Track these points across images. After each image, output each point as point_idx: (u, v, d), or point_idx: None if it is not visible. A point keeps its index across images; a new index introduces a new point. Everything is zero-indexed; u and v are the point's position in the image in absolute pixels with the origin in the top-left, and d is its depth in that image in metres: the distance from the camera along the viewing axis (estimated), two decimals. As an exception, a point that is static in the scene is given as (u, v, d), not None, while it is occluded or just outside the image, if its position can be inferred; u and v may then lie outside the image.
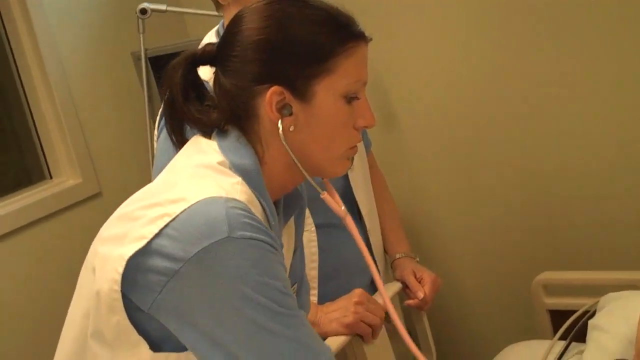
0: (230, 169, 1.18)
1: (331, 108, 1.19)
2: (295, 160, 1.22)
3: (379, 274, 2.02)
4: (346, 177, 1.94)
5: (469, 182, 2.54)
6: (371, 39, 1.26)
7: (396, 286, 2.01)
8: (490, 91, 2.40)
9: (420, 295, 1.98)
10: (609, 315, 1.87)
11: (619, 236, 2.30)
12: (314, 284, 1.87)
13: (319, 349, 1.16)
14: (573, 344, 1.96)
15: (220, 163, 1.18)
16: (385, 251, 2.15)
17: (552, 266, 2.25)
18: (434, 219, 2.66)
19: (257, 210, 1.16)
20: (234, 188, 1.15)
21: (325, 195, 1.31)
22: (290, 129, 1.20)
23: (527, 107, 2.36)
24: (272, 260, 1.11)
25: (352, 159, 1.31)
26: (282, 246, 1.24)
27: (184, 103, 1.25)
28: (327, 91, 1.18)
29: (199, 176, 1.17)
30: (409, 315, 2.12)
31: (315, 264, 1.86)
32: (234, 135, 1.22)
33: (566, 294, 2.20)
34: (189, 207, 1.09)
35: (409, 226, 2.61)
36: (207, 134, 1.25)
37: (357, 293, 1.78)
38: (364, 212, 2.02)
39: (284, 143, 1.20)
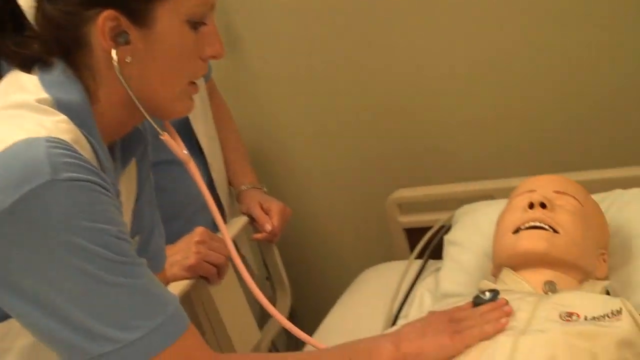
0: (53, 106, 1.00)
1: (175, 35, 1.04)
2: (133, 97, 1.05)
3: (223, 211, 1.90)
4: None
5: (318, 105, 2.40)
6: None
7: (242, 220, 1.87)
8: (339, 15, 2.24)
9: (268, 227, 1.85)
10: (463, 228, 1.81)
11: (471, 148, 2.23)
12: None
13: (165, 298, 1.02)
14: (431, 261, 1.89)
15: (39, 100, 0.99)
16: (230, 184, 2.00)
17: (407, 184, 2.16)
18: (283, 145, 2.51)
19: (85, 152, 0.99)
20: (58, 127, 0.97)
21: (165, 137, 1.16)
22: (127, 60, 1.02)
23: (372, 32, 2.22)
24: (104, 203, 0.97)
25: (193, 98, 1.16)
26: (118, 193, 1.09)
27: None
28: (170, 15, 1.03)
29: (13, 117, 0.98)
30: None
31: None
32: (59, 68, 1.04)
33: (422, 211, 2.12)
34: (2, 151, 0.92)
35: (257, 156, 2.48)
36: (27, 69, 1.05)
37: (198, 232, 1.64)
38: (203, 146, 1.86)
39: (120, 76, 1.02)
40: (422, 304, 1.73)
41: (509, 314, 1.19)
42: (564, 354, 1.09)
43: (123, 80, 1.03)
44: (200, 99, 1.86)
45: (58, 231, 0.91)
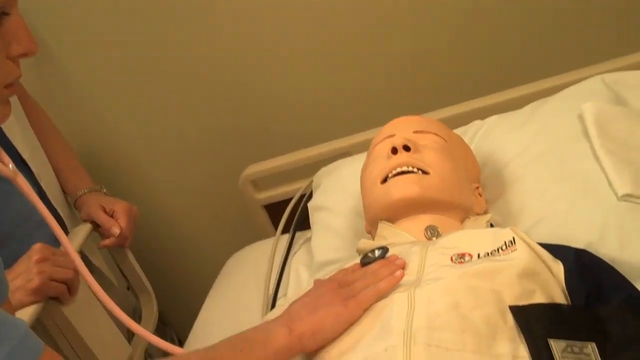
0: None
1: None
2: None
3: (62, 222, 1.70)
4: None
5: (146, 96, 2.21)
6: None
7: (85, 228, 1.68)
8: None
9: (116, 231, 1.68)
10: (326, 191, 1.70)
11: (315, 110, 2.13)
12: None
13: (8, 324, 0.85)
14: (299, 233, 1.78)
15: None
16: (65, 192, 1.80)
17: (259, 160, 2.03)
18: (117, 144, 2.31)
19: None
20: None
21: None
22: None
23: (188, 12, 2.07)
24: None
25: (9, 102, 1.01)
26: None
27: None
28: None
29: None
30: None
31: None
32: None
33: (279, 185, 2.00)
34: None
35: (92, 160, 2.27)
36: None
37: (37, 249, 1.45)
38: (26, 156, 1.65)
39: None
40: (298, 279, 1.63)
41: (402, 267, 1.09)
42: (466, 298, 0.99)
43: None
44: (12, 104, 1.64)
45: None
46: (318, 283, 1.14)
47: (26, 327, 0.87)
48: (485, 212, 1.37)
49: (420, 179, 1.25)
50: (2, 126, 1.60)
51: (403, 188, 1.25)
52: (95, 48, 2.14)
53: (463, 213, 1.29)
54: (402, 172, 1.27)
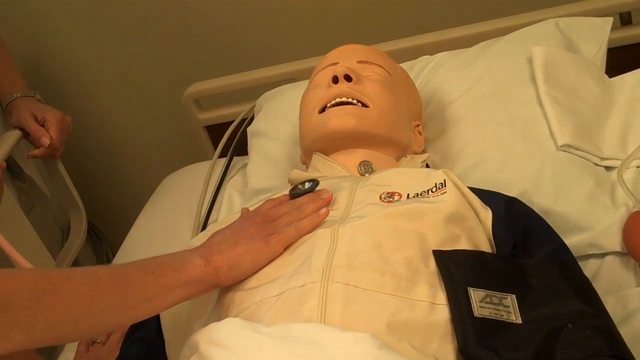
0: None
1: None
2: None
3: None
4: None
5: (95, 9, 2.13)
6: None
7: (14, 135, 1.61)
8: None
9: (45, 141, 1.61)
10: (266, 117, 1.65)
11: (265, 31, 2.06)
12: None
13: None
14: (236, 158, 1.73)
15: None
16: None
17: (204, 79, 1.97)
18: (60, 45, 2.22)
19: None
20: None
21: None
22: None
23: None
24: None
25: None
26: None
27: None
28: None
29: None
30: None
31: None
32: None
33: (222, 106, 1.94)
34: None
35: (30, 61, 2.19)
36: None
37: None
38: None
39: None
40: (231, 205, 1.59)
41: (329, 202, 1.06)
42: (389, 238, 0.96)
43: None
44: None
45: None
46: (245, 215, 1.11)
47: None
48: (424, 152, 1.34)
49: (359, 112, 1.20)
50: None
51: (339, 120, 1.20)
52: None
53: (400, 150, 1.26)
54: (341, 103, 1.22)
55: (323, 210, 1.04)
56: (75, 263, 2.25)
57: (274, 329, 0.86)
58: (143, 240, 1.68)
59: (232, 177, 1.67)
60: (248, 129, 1.67)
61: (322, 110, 1.24)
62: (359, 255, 0.94)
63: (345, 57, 1.31)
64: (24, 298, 0.86)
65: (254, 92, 1.81)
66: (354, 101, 1.21)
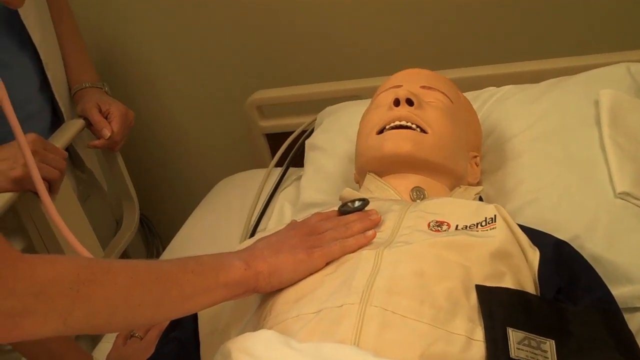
0: None
1: None
2: None
3: (60, 114, 1.66)
4: None
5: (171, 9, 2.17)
6: None
7: (77, 124, 1.63)
8: None
9: (106, 133, 1.63)
10: (326, 131, 1.65)
11: (335, 47, 2.06)
12: None
13: None
14: (292, 169, 1.74)
15: None
16: (69, 83, 1.75)
17: (268, 87, 1.98)
18: (134, 41, 2.26)
19: None
20: None
21: None
22: None
23: None
24: None
25: None
26: None
27: None
28: None
29: None
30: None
31: None
32: None
33: (284, 115, 1.95)
34: None
35: (106, 55, 2.23)
36: None
37: (30, 139, 1.39)
38: (36, 39, 1.59)
39: None
40: (282, 215, 1.59)
41: (377, 224, 1.06)
42: (432, 267, 0.95)
43: None
44: None
45: None
46: (292, 224, 1.11)
47: None
48: (479, 184, 1.32)
49: (416, 137, 1.20)
50: (22, 18, 1.55)
51: (396, 143, 1.20)
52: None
53: (454, 180, 1.25)
54: (400, 127, 1.21)
55: (370, 232, 1.04)
56: (125, 255, 2.29)
57: (306, 345, 0.87)
58: (191, 240, 1.70)
59: (285, 188, 1.68)
60: (306, 142, 1.68)
61: (381, 131, 1.24)
62: (400, 281, 0.93)
63: (409, 80, 1.31)
64: (63, 286, 0.88)
65: (318, 105, 1.82)
66: (413, 126, 1.21)
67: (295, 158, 1.74)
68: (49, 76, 1.64)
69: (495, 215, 1.05)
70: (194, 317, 1.15)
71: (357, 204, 1.11)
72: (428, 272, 0.95)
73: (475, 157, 1.33)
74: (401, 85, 1.29)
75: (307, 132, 1.76)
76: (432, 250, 0.98)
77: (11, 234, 1.52)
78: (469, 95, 1.48)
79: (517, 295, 0.96)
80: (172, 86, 2.30)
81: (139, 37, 2.24)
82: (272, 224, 1.57)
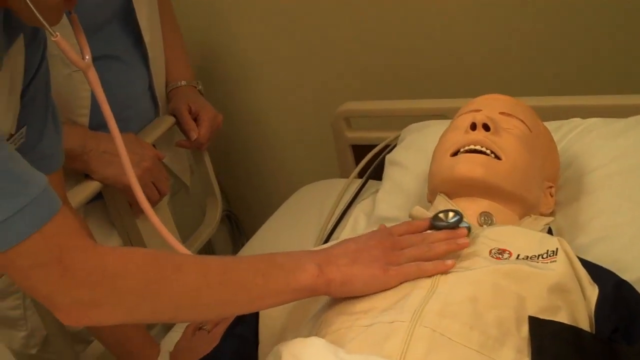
0: None
1: None
2: None
3: (158, 110, 1.73)
4: None
5: (272, 10, 2.23)
6: None
7: (168, 122, 1.70)
8: None
9: (193, 135, 1.69)
10: (407, 148, 1.67)
11: (425, 63, 2.08)
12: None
13: (27, 178, 0.89)
14: (372, 182, 1.76)
15: None
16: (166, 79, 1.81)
17: (357, 98, 2.01)
18: (235, 41, 2.34)
19: None
20: None
21: (58, 39, 1.01)
22: None
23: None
24: None
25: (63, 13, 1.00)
26: None
27: None
28: None
29: None
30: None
31: (86, 110, 1.51)
32: None
33: (370, 128, 1.97)
34: None
35: (205, 47, 2.33)
36: None
37: (152, 155, 1.56)
38: (147, 39, 1.65)
39: None
40: (355, 227, 1.61)
41: (463, 249, 1.05)
42: (487, 294, 0.96)
43: None
44: None
45: None
46: (377, 232, 1.11)
47: (45, 184, 0.90)
48: (552, 214, 1.31)
49: (489, 163, 1.20)
50: (137, 16, 1.61)
51: (468, 167, 1.21)
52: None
53: (525, 209, 1.24)
54: (475, 151, 1.22)
55: (450, 262, 1.03)
56: (210, 249, 2.37)
57: (353, 357, 0.89)
58: (268, 242, 1.74)
59: (363, 200, 1.70)
60: (387, 157, 1.70)
61: (455, 153, 1.25)
62: (454, 305, 0.94)
63: (489, 105, 1.31)
64: (133, 282, 0.93)
65: (405, 120, 1.83)
66: (487, 151, 1.22)
67: (375, 171, 1.76)
68: (153, 72, 1.69)
69: (557, 249, 1.05)
70: (257, 313, 1.18)
71: (451, 217, 1.10)
72: (482, 299, 0.96)
73: (551, 187, 1.32)
74: (480, 110, 1.30)
75: (390, 147, 1.78)
76: (490, 278, 0.99)
77: (95, 219, 1.59)
78: (552, 124, 1.47)
79: (570, 331, 0.96)
80: (266, 89, 2.36)
81: (240, 38, 2.31)
82: (345, 234, 1.59)
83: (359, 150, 1.97)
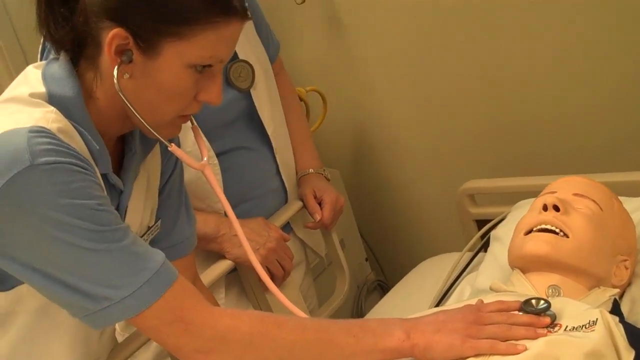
0: (45, 99, 1.10)
1: (172, 75, 1.10)
2: (127, 105, 1.11)
3: (287, 196, 1.94)
4: (249, 95, 1.81)
5: (408, 91, 2.43)
6: (251, 18, 1.14)
7: (296, 205, 1.92)
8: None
9: (317, 217, 1.89)
10: (508, 224, 1.78)
11: (551, 141, 2.19)
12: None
13: (149, 255, 1.12)
14: (482, 255, 1.88)
15: (33, 95, 1.10)
16: (296, 167, 2.02)
17: (485, 175, 2.15)
18: (365, 127, 2.57)
19: (72, 139, 1.09)
20: (45, 117, 1.07)
21: (173, 148, 1.22)
22: (125, 77, 1.09)
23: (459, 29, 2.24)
24: (82, 181, 1.06)
25: (180, 126, 1.23)
26: (130, 177, 1.23)
27: (47, 11, 1.12)
28: (174, 56, 1.08)
29: (6, 109, 1.10)
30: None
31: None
32: (62, 62, 1.13)
33: (493, 203, 2.10)
34: None
35: (333, 134, 2.56)
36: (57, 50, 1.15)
37: (277, 237, 1.77)
38: (269, 131, 1.87)
39: (117, 86, 1.09)
40: (460, 297, 1.73)
41: (541, 337, 1.15)
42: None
43: (120, 91, 1.10)
44: (266, 83, 1.85)
45: (41, 209, 1.02)
46: (466, 307, 1.25)
47: (163, 259, 1.13)
48: (627, 285, 1.40)
49: (555, 241, 1.33)
50: (257, 99, 1.82)
51: (535, 245, 1.34)
52: (383, 35, 2.41)
53: (594, 281, 1.34)
54: (545, 230, 1.35)
55: (522, 347, 1.13)
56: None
57: None
58: (386, 308, 1.90)
59: (471, 272, 1.83)
60: (492, 232, 1.82)
61: (528, 232, 1.38)
62: None
63: (564, 188, 1.44)
64: (240, 336, 1.15)
65: (522, 196, 1.95)
66: (557, 230, 1.34)
67: (487, 245, 1.89)
68: (279, 161, 1.91)
69: (597, 319, 1.15)
70: None
71: (540, 306, 1.19)
72: None
73: (625, 260, 1.40)
74: (555, 192, 1.42)
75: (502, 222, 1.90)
76: (537, 350, 1.11)
77: (235, 294, 1.84)
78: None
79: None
80: (386, 173, 2.59)
81: (384, 115, 2.54)
82: (451, 303, 1.72)
83: (482, 224, 2.09)
